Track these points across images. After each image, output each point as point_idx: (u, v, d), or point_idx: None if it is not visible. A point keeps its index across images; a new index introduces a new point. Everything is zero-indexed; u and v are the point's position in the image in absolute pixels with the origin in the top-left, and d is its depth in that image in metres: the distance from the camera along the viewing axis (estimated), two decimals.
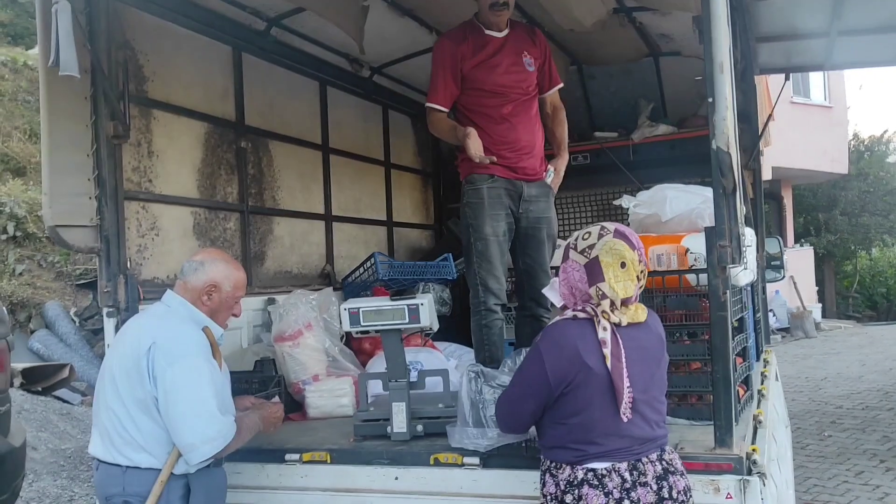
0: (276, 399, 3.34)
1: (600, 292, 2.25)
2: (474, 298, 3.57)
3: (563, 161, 3.75)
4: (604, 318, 2.24)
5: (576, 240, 2.36)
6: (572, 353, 2.22)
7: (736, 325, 3.19)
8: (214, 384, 2.62)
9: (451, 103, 3.58)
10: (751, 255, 3.34)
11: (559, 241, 4.32)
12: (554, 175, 3.69)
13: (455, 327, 5.19)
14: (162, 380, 2.53)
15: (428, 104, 3.61)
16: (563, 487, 2.24)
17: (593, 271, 2.26)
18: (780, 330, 14.91)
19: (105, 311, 3.31)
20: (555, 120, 3.82)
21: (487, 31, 3.56)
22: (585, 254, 2.29)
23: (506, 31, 3.59)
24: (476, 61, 3.52)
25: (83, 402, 7.52)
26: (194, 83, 4.05)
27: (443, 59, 3.54)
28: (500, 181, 3.51)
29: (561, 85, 3.84)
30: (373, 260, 4.79)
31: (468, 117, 3.60)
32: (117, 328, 3.23)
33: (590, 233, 2.33)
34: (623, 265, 2.26)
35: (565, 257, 2.37)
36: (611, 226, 2.34)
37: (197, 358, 2.60)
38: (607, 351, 2.20)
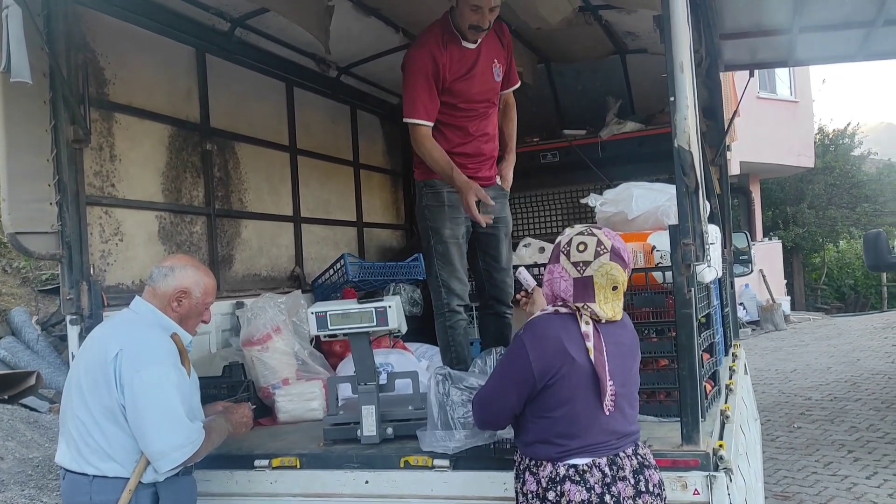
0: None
1: (588, 309, 2.26)
2: (437, 301, 3.54)
3: (511, 163, 3.68)
4: (585, 313, 2.26)
5: (569, 245, 2.32)
6: (557, 345, 2.23)
7: (703, 321, 3.23)
8: (182, 391, 2.60)
9: (435, 117, 3.40)
10: (715, 252, 3.37)
11: (529, 240, 4.35)
12: (503, 182, 3.64)
13: (427, 327, 5.17)
14: (129, 387, 2.51)
15: (412, 120, 3.37)
16: (544, 485, 2.25)
17: (585, 290, 2.27)
18: (750, 323, 15.11)
19: (68, 318, 3.27)
20: (505, 117, 3.74)
21: (464, 43, 3.42)
22: (579, 268, 2.28)
23: (479, 41, 3.46)
24: (456, 74, 3.40)
25: (51, 409, 7.39)
26: (157, 85, 4.00)
27: (425, 71, 3.34)
28: None
29: (518, 85, 3.76)
30: (343, 261, 4.76)
31: (434, 127, 3.45)
32: (81, 336, 3.19)
33: (585, 245, 2.29)
34: (615, 288, 2.29)
35: (554, 259, 2.35)
36: (607, 241, 2.30)
37: (164, 365, 2.58)
38: (590, 344, 2.23)
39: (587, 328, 2.24)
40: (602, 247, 2.29)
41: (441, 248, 3.46)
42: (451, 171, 3.34)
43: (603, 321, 2.28)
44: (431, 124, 3.40)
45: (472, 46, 3.44)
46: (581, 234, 2.33)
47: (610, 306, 2.29)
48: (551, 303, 2.35)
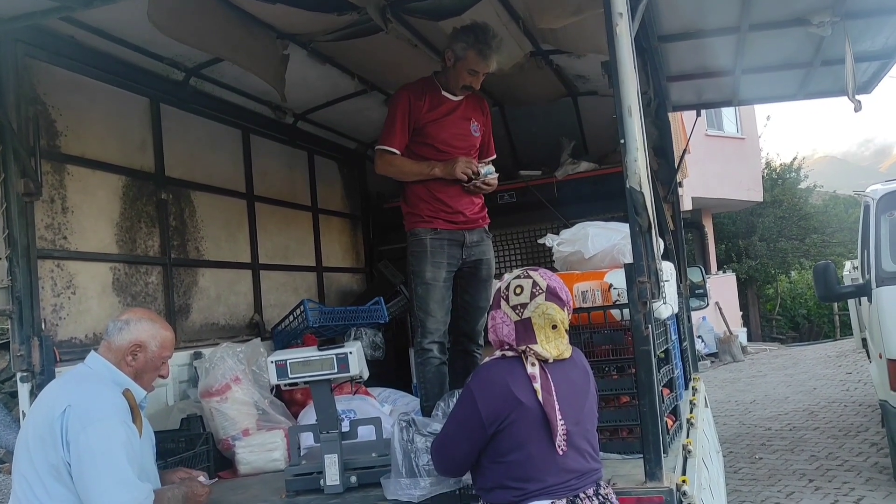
0: (205, 477, 3.20)
1: (532, 352, 2.28)
2: (415, 339, 3.78)
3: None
4: (531, 355, 2.28)
5: (507, 289, 2.38)
6: (503, 390, 2.24)
7: (661, 356, 3.27)
8: (132, 449, 2.51)
9: (403, 149, 3.76)
10: (670, 288, 3.43)
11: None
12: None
13: (389, 372, 5.16)
14: (75, 444, 2.42)
15: (381, 146, 3.76)
16: None
17: (526, 332, 2.31)
18: (709, 355, 15.29)
19: (19, 375, 3.19)
20: None
21: (444, 93, 3.78)
22: (518, 311, 2.33)
23: (460, 97, 3.82)
24: (430, 118, 3.73)
25: (1, 469, 7.12)
26: (110, 136, 3.97)
27: (401, 109, 3.72)
28: (442, 233, 3.73)
29: (494, 157, 4.07)
30: (302, 307, 4.73)
31: None
32: (32, 393, 3.10)
33: (522, 287, 2.35)
34: (554, 327, 2.32)
35: (495, 305, 2.40)
36: (542, 281, 2.36)
37: (112, 421, 2.49)
38: (538, 385, 2.23)
39: (533, 370, 2.26)
40: (537, 287, 2.34)
41: (421, 290, 3.72)
42: (427, 167, 3.70)
43: (549, 361, 2.30)
44: (398, 153, 3.74)
45: (453, 98, 3.79)
46: (517, 277, 2.39)
47: (553, 345, 2.32)
48: (498, 348, 2.38)
